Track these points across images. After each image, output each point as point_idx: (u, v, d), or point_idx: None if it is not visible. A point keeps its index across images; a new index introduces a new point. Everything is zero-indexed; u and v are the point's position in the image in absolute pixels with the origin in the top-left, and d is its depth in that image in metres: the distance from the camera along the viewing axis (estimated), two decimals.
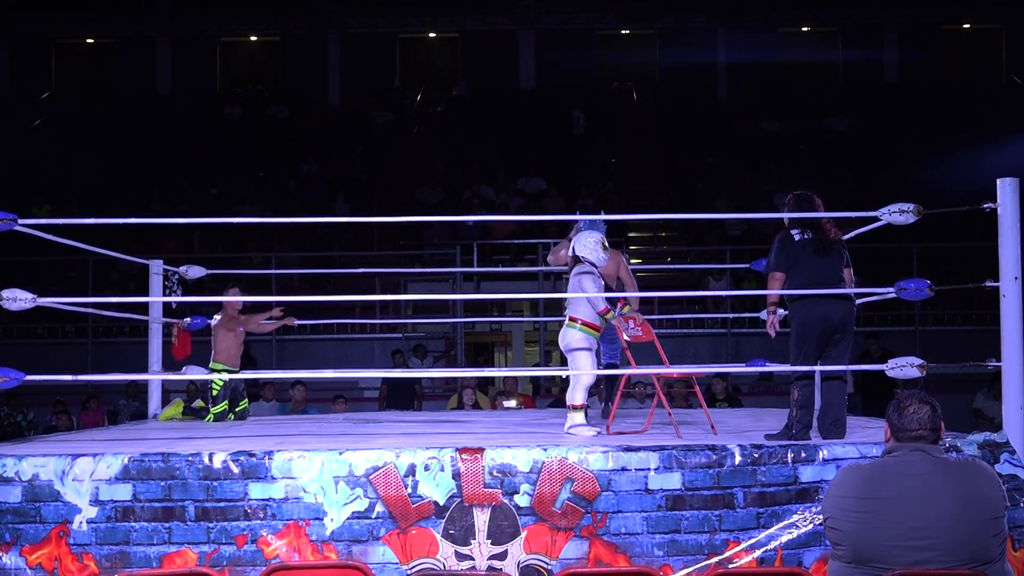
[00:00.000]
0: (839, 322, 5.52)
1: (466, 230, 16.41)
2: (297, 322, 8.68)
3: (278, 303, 8.88)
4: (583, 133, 21.21)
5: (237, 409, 8.02)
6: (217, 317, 8.12)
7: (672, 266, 16.35)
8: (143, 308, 8.37)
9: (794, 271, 5.60)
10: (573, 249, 6.32)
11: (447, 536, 4.83)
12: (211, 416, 7.74)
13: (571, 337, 6.17)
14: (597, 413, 7.65)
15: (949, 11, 23.75)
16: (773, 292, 5.75)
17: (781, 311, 6.40)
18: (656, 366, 6.58)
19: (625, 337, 6.36)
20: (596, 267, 6.28)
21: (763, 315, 6.04)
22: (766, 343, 10.55)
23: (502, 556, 4.81)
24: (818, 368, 5.70)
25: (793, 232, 5.68)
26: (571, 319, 6.18)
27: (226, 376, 7.83)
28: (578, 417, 6.07)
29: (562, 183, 18.61)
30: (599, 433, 5.99)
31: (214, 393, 7.86)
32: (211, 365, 7.98)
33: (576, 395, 6.14)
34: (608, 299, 6.26)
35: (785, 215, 5.79)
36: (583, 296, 6.10)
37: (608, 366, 7.32)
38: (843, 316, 5.54)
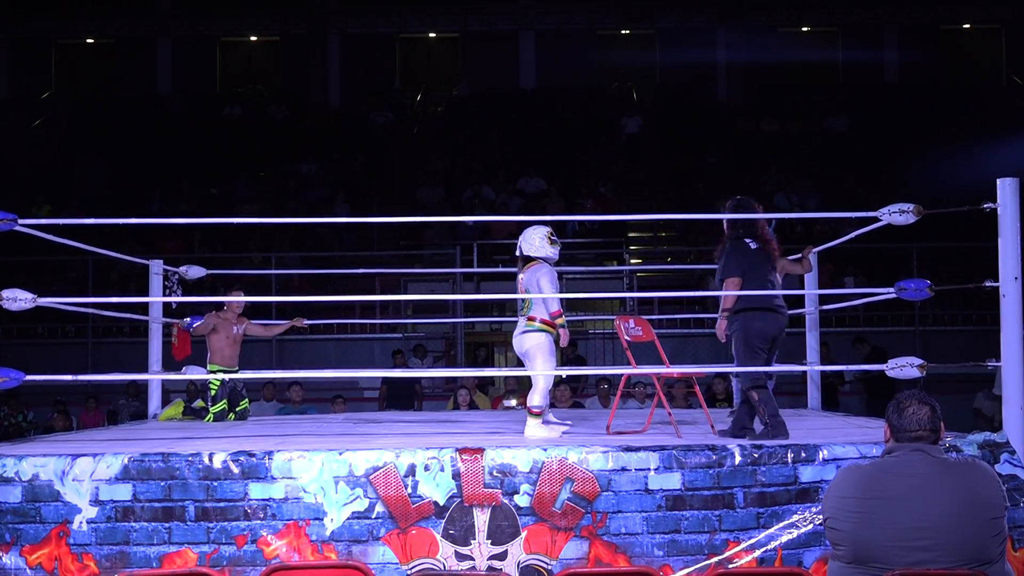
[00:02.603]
0: (781, 330, 5.77)
1: (466, 230, 16.41)
2: (306, 322, 8.69)
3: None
4: (630, 138, 20.91)
5: (237, 409, 8.01)
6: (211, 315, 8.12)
7: (672, 266, 16.35)
8: (143, 308, 8.37)
9: (749, 277, 5.67)
10: (520, 249, 6.24)
11: (447, 536, 4.83)
12: (211, 416, 7.75)
13: (528, 338, 6.09)
14: (595, 413, 7.64)
15: (949, 11, 23.75)
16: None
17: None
18: (656, 366, 6.56)
19: (625, 337, 6.34)
20: (548, 262, 6.21)
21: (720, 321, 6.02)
22: None
23: (502, 556, 4.81)
24: (817, 368, 5.73)
25: (747, 240, 5.76)
26: (529, 319, 6.11)
27: (224, 376, 7.83)
28: (534, 423, 5.98)
29: (562, 183, 18.61)
30: (565, 432, 5.96)
31: (212, 392, 7.86)
32: (208, 366, 7.99)
33: (535, 398, 6.05)
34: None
35: (724, 215, 5.90)
36: (539, 296, 6.04)
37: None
38: (784, 325, 5.80)
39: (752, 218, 5.85)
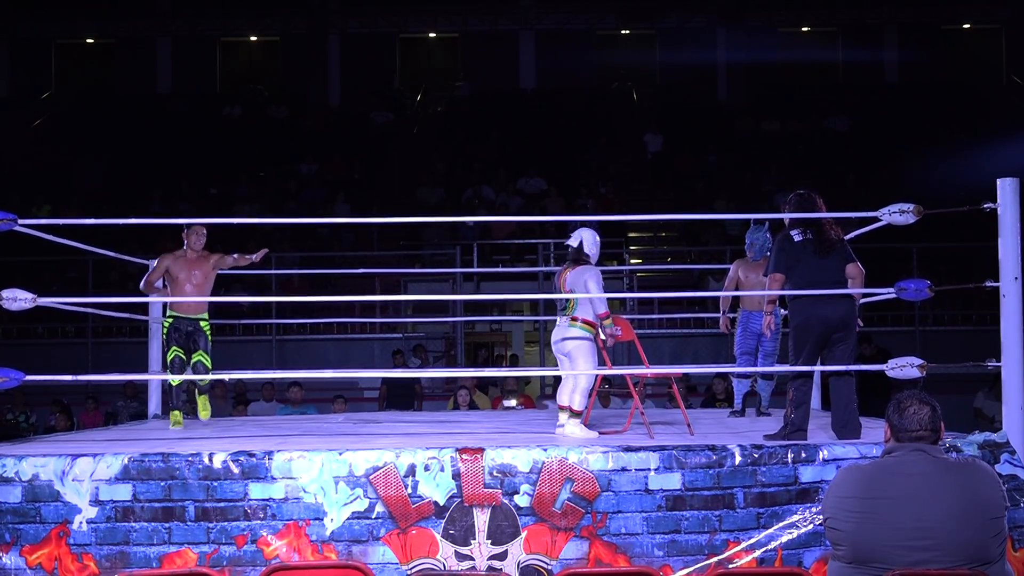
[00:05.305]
0: (837, 322, 5.53)
1: (466, 230, 16.41)
2: (258, 256, 7.36)
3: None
4: (657, 154, 20.62)
5: (193, 360, 7.11)
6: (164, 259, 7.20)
7: (672, 266, 16.35)
8: (143, 308, 8.36)
9: (793, 272, 5.61)
10: (578, 245, 6.23)
11: (447, 536, 4.83)
12: (167, 362, 7.07)
13: (571, 335, 6.09)
14: (594, 413, 7.63)
15: (949, 11, 23.75)
16: (770, 293, 5.77)
17: (781, 311, 6.42)
18: (661, 366, 6.56)
19: (602, 336, 6.31)
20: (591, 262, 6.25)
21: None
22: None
23: (502, 556, 4.81)
24: (817, 368, 5.72)
25: (793, 233, 5.69)
26: (573, 319, 6.11)
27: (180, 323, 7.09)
28: (574, 423, 6.00)
29: (562, 183, 18.62)
30: (599, 435, 5.97)
31: (163, 334, 7.18)
32: (166, 314, 7.26)
33: (576, 399, 6.05)
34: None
35: (786, 215, 5.80)
36: (586, 296, 6.05)
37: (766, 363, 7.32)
38: (842, 316, 5.54)
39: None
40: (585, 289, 6.05)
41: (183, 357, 7.12)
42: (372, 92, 23.10)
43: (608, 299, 6.24)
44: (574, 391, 6.08)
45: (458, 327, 14.60)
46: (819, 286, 5.51)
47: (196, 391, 7.44)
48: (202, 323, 7.20)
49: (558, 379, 6.34)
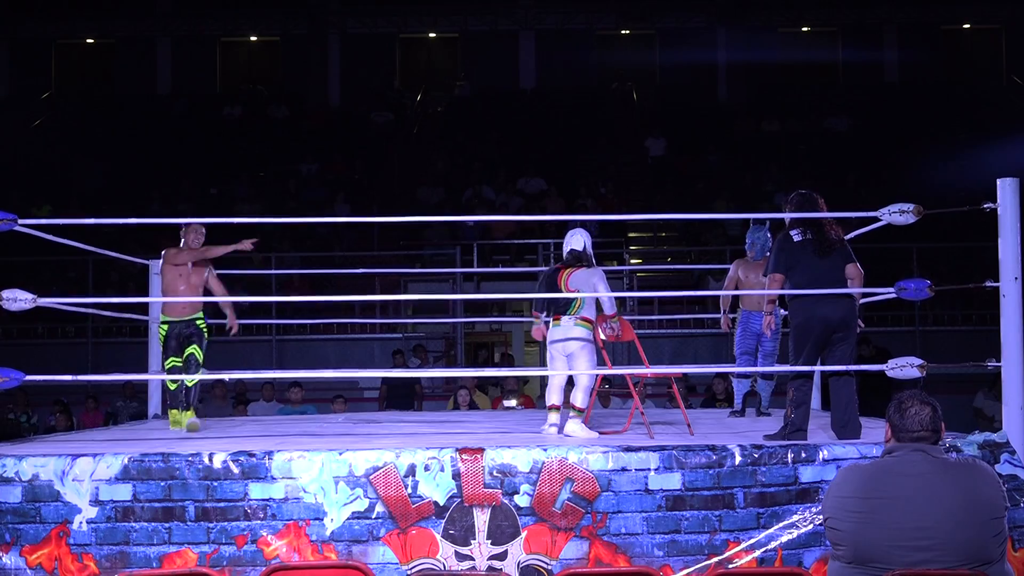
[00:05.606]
0: (838, 322, 5.54)
1: (466, 230, 16.41)
2: (249, 244, 7.26)
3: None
4: (660, 158, 20.53)
5: (185, 355, 6.88)
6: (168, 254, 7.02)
7: (672, 266, 16.35)
8: (143, 308, 8.35)
9: (793, 272, 5.61)
10: (579, 249, 6.27)
11: (447, 536, 4.83)
12: (166, 368, 6.91)
13: (578, 335, 6.13)
14: (594, 413, 7.63)
15: (949, 11, 23.74)
16: (770, 292, 5.77)
17: (782, 311, 6.42)
18: (661, 366, 6.57)
19: (602, 336, 6.35)
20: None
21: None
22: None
23: (502, 556, 4.81)
24: (817, 368, 5.73)
25: (793, 233, 5.69)
26: (579, 319, 6.15)
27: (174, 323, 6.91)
28: (575, 423, 6.02)
29: (562, 183, 18.62)
30: (599, 435, 5.98)
31: (160, 341, 7.01)
32: (161, 319, 7.05)
33: (579, 396, 6.10)
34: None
35: (786, 215, 5.80)
36: (595, 297, 6.11)
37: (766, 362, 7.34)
38: (842, 316, 5.55)
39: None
40: (593, 290, 6.11)
41: (180, 365, 6.96)
42: (372, 92, 23.09)
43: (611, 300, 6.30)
44: (576, 390, 6.15)
45: (458, 327, 14.60)
46: (819, 286, 5.50)
47: (187, 402, 7.00)
48: (198, 322, 7.01)
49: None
